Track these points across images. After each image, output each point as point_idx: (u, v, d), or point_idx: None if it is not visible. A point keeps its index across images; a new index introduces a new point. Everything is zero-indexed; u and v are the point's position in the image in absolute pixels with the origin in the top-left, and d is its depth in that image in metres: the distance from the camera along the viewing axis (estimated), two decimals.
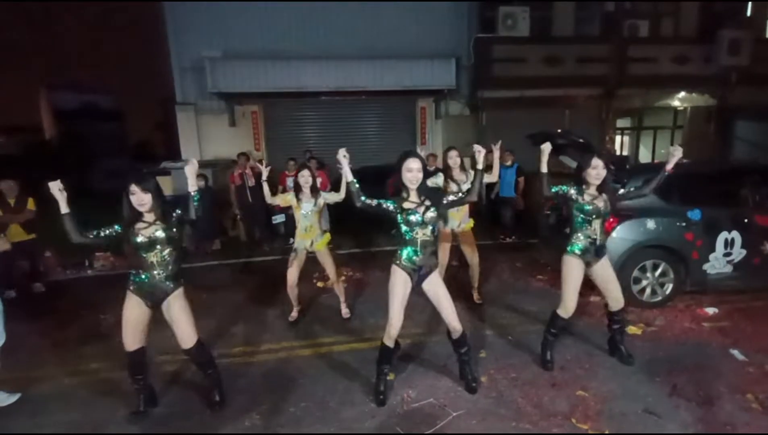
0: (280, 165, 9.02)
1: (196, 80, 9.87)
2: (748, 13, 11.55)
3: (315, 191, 4.26)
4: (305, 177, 4.20)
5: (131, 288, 2.84)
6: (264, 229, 8.01)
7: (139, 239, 2.75)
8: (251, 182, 7.67)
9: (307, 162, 8.05)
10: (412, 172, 2.84)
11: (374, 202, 2.91)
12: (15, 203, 5.58)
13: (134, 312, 2.84)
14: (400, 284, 2.97)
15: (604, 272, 3.37)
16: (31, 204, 5.67)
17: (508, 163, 7.86)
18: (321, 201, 4.26)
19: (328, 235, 4.43)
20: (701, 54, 10.80)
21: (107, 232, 2.75)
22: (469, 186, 4.37)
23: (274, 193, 8.24)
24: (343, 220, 7.64)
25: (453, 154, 4.42)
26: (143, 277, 2.82)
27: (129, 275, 2.86)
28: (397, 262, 2.99)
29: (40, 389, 3.42)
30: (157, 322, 2.92)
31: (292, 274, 4.32)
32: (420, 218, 2.88)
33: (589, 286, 3.57)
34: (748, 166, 6.11)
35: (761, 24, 11.75)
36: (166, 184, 8.39)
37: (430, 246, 2.97)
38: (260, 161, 5.28)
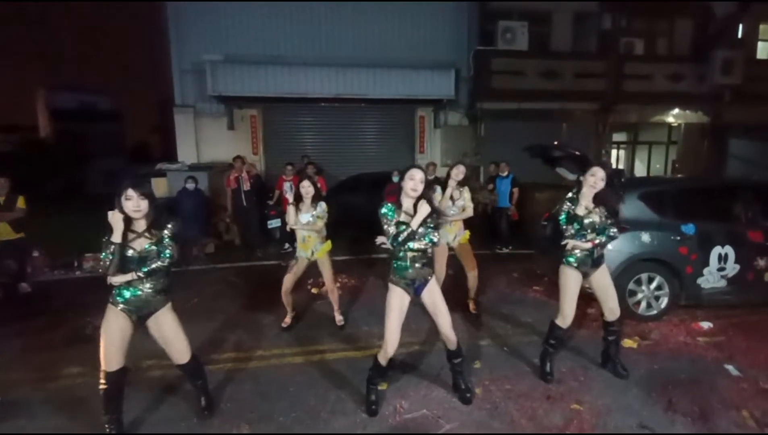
0: (277, 169, 9.03)
1: (196, 83, 9.88)
2: (740, 35, 11.77)
3: (316, 199, 4.22)
4: (306, 187, 4.17)
5: (116, 302, 2.63)
6: (259, 234, 7.96)
7: (130, 253, 2.57)
8: (247, 186, 7.62)
9: (305, 167, 8.05)
10: (414, 180, 2.81)
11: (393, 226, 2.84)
12: (5, 201, 5.50)
13: (120, 328, 2.62)
14: (395, 301, 2.92)
15: (602, 281, 3.36)
16: (21, 202, 5.59)
17: (504, 173, 7.94)
18: (318, 211, 4.20)
19: (329, 243, 4.37)
20: (695, 72, 11.00)
21: (111, 253, 2.51)
22: (463, 204, 4.39)
23: (270, 197, 8.24)
24: (338, 227, 7.62)
25: (461, 169, 4.38)
26: (132, 291, 2.63)
27: (113, 288, 2.64)
28: (392, 278, 2.95)
29: (23, 392, 3.33)
30: (144, 327, 2.82)
31: (289, 280, 4.27)
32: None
33: (583, 298, 3.56)
34: (740, 182, 6.16)
35: (753, 45, 11.98)
36: (162, 186, 8.35)
37: (420, 259, 2.92)
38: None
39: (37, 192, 8.40)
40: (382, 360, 2.98)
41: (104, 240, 2.54)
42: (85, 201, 17.16)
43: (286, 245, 7.58)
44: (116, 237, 2.52)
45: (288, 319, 4.49)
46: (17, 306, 5.27)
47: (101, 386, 2.67)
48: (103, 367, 2.65)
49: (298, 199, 4.20)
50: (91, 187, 22.93)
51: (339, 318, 4.57)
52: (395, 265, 2.93)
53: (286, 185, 7.62)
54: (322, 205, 4.22)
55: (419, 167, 2.91)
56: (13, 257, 5.78)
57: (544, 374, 3.43)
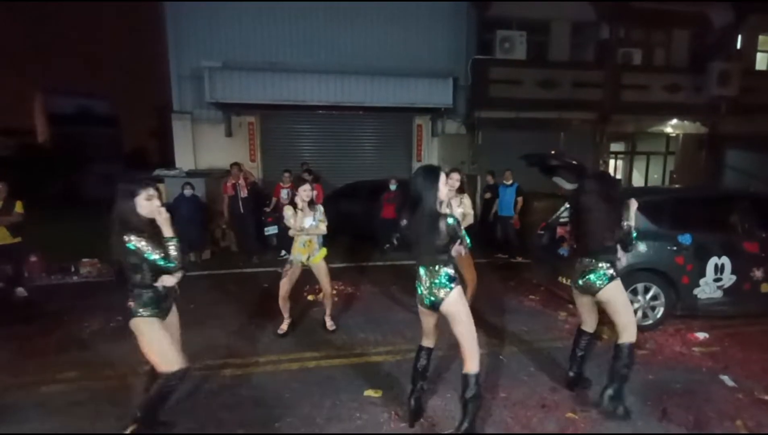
0: (275, 176, 9.05)
1: (194, 89, 9.90)
2: (738, 46, 11.89)
3: (312, 204, 4.25)
4: (307, 190, 4.19)
5: (153, 313, 2.56)
6: (255, 241, 7.96)
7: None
8: (244, 193, 7.63)
9: (302, 174, 8.07)
10: (446, 184, 2.73)
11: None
12: (2, 206, 5.49)
13: (162, 329, 2.60)
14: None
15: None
16: (19, 207, 5.58)
17: (509, 182, 7.89)
18: (318, 214, 4.24)
19: (325, 250, 4.41)
20: (692, 83, 11.08)
21: (176, 248, 2.50)
22: (463, 211, 4.37)
23: (267, 204, 8.25)
24: (335, 235, 7.61)
25: (455, 176, 4.27)
26: (162, 292, 2.61)
27: (140, 298, 2.54)
28: (460, 285, 2.79)
29: (17, 397, 3.31)
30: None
31: (285, 285, 4.28)
32: None
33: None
34: (737, 192, 6.20)
35: (750, 57, 12.09)
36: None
37: None
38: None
39: (34, 196, 8.37)
40: (475, 368, 2.74)
41: (146, 242, 2.44)
42: (82, 206, 17.15)
43: (283, 252, 7.57)
44: (170, 232, 2.51)
45: (284, 326, 4.48)
46: (13, 310, 5.25)
47: (166, 388, 2.60)
48: (166, 368, 2.57)
49: (293, 204, 4.23)
50: (88, 192, 22.89)
51: (330, 323, 4.57)
52: (454, 270, 2.78)
53: (284, 192, 7.63)
54: (321, 209, 4.28)
55: (438, 169, 2.76)
56: (10, 262, 5.76)
57: (627, 413, 3.02)
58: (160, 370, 2.59)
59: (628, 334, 3.05)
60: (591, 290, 3.14)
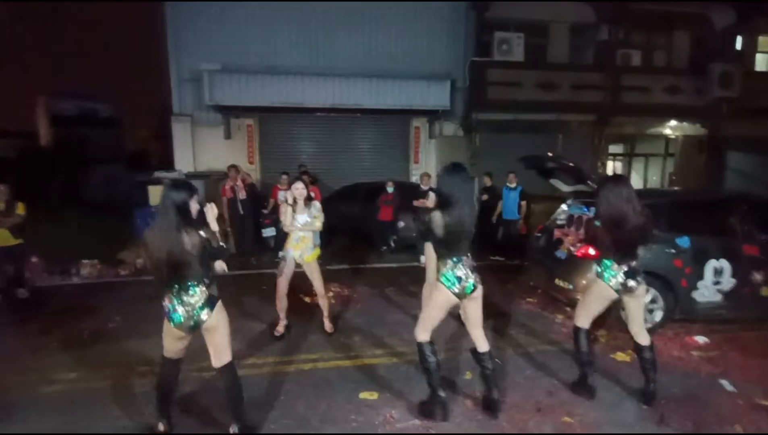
0: (273, 179, 9.05)
1: (194, 92, 9.91)
2: (738, 47, 11.87)
3: (309, 200, 4.26)
4: (299, 189, 4.20)
5: None
6: (254, 242, 7.96)
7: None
8: (242, 195, 7.64)
9: (300, 176, 8.07)
10: None
11: None
12: (4, 207, 5.50)
13: None
14: None
15: None
16: (20, 208, 5.60)
17: (512, 185, 7.76)
18: (314, 211, 4.24)
19: (318, 250, 4.41)
20: (693, 85, 11.06)
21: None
22: None
23: (265, 205, 8.24)
24: (332, 236, 7.60)
25: None
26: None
27: (213, 285, 2.76)
28: None
29: (16, 396, 3.30)
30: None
31: (282, 283, 4.29)
32: None
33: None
34: (737, 195, 6.17)
35: (751, 57, 12.07)
36: (158, 194, 8.34)
37: None
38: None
39: (36, 197, 8.38)
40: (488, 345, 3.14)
41: (210, 237, 2.64)
42: (83, 207, 17.17)
43: (281, 254, 7.56)
44: (216, 226, 2.77)
45: (281, 328, 4.47)
46: (15, 311, 5.25)
47: (237, 376, 2.84)
48: (229, 358, 2.82)
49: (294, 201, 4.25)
50: (89, 193, 22.92)
51: (328, 325, 4.55)
52: None
53: (281, 194, 7.63)
54: (317, 205, 4.29)
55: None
56: (11, 263, 5.77)
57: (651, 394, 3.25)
58: (225, 362, 2.78)
59: (645, 333, 3.30)
60: (634, 291, 3.15)
